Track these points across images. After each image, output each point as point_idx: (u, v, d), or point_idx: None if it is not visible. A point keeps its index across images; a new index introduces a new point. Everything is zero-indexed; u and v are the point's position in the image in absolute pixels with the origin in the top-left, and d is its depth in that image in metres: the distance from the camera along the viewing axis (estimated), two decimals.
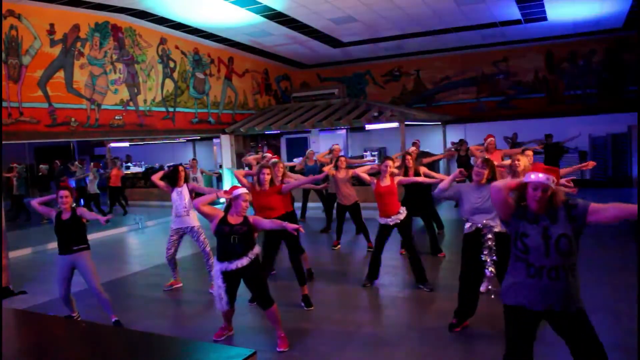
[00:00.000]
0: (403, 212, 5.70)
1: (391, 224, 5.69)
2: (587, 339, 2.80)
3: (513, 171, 4.64)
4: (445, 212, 11.07)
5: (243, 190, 4.23)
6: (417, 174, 6.95)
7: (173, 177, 6.14)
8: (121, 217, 12.35)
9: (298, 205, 10.04)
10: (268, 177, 5.19)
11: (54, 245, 9.08)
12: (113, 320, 5.02)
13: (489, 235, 4.27)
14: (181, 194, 6.05)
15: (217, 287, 4.22)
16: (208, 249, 6.06)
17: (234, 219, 4.19)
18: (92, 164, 13.14)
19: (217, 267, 4.21)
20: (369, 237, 7.69)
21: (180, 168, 6.18)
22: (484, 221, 4.27)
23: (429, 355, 4.09)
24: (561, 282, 2.75)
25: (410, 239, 5.80)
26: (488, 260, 4.26)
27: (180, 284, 6.34)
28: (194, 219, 6.09)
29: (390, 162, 5.76)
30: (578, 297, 2.80)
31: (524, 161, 4.80)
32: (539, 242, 2.77)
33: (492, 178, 4.30)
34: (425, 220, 7.48)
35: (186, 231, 6.08)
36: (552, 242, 2.74)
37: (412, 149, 8.46)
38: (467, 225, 4.41)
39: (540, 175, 2.77)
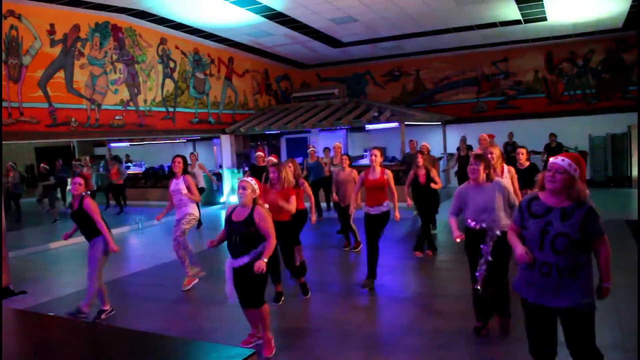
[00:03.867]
0: (386, 206, 5.73)
1: (372, 213, 5.71)
2: (578, 341, 2.79)
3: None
4: (445, 212, 11.05)
5: (249, 178, 4.18)
6: (429, 175, 7.07)
7: (171, 170, 6.20)
8: (121, 217, 12.35)
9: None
10: (273, 175, 5.22)
11: (54, 244, 9.14)
12: (100, 308, 5.19)
13: (490, 242, 4.11)
14: (178, 185, 6.06)
15: (228, 280, 4.16)
16: (178, 233, 5.96)
17: (237, 215, 4.09)
18: (87, 158, 13.15)
19: (227, 263, 4.18)
20: (358, 238, 7.70)
21: (178, 159, 6.13)
22: (488, 224, 4.13)
23: (429, 355, 4.08)
24: (552, 279, 2.75)
25: (379, 233, 5.75)
26: (482, 260, 4.15)
27: (196, 280, 6.25)
28: (191, 207, 6.10)
29: (376, 152, 5.74)
30: (576, 294, 2.75)
31: (497, 152, 4.85)
32: (535, 235, 2.79)
33: (489, 174, 4.19)
34: (423, 219, 7.43)
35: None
36: (547, 238, 2.74)
37: (424, 144, 8.47)
38: (472, 223, 4.25)
39: (559, 159, 2.79)
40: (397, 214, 5.96)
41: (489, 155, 4.69)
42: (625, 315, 4.39)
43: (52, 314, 4.80)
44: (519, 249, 2.88)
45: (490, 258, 4.08)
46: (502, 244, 4.08)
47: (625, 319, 4.34)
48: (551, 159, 2.85)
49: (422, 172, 7.09)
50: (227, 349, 2.17)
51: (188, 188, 6.04)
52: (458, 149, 10.97)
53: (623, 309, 4.59)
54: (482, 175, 4.18)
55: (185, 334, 4.79)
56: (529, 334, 2.98)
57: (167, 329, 4.86)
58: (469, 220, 4.26)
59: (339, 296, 5.75)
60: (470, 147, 10.61)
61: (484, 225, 4.15)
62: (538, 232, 2.77)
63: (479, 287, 4.17)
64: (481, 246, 4.12)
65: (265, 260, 3.95)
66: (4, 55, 8.25)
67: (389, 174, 5.77)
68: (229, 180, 13.94)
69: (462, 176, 10.63)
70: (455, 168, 11.06)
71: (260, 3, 9.67)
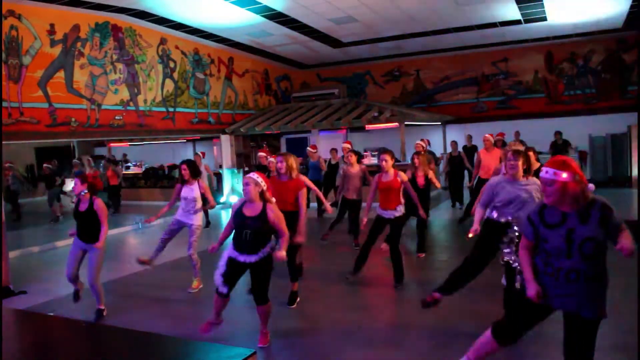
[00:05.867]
0: (400, 211, 5.66)
1: (386, 217, 5.65)
2: (582, 347, 2.77)
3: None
4: (444, 212, 11.07)
5: (251, 174, 4.16)
6: (427, 178, 7.07)
7: (180, 176, 6.12)
8: (120, 217, 12.36)
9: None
10: (282, 165, 5.24)
11: (55, 244, 9.14)
12: (97, 308, 5.16)
13: (516, 228, 4.07)
14: (191, 193, 5.96)
15: (218, 270, 4.13)
16: (191, 251, 5.92)
17: (249, 210, 4.06)
18: (89, 158, 13.14)
19: (226, 251, 4.15)
20: (358, 236, 7.73)
21: (183, 166, 6.05)
22: (514, 215, 4.08)
23: (429, 354, 4.08)
24: (580, 284, 2.69)
25: (397, 237, 5.73)
26: (506, 250, 4.12)
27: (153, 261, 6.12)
28: (197, 218, 6.05)
29: (386, 156, 5.66)
30: (597, 304, 2.72)
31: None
32: (560, 245, 2.69)
33: (528, 170, 4.13)
34: (418, 220, 7.43)
35: (186, 225, 6.04)
36: (575, 245, 2.65)
37: (419, 142, 8.47)
38: (494, 214, 4.22)
39: (548, 170, 2.70)
40: (422, 212, 6.07)
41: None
42: (625, 315, 4.39)
43: (52, 314, 4.81)
44: (531, 288, 2.80)
45: (508, 259, 4.09)
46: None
47: (625, 319, 4.34)
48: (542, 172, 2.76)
49: (420, 173, 7.07)
50: (227, 349, 2.17)
51: (203, 195, 5.98)
52: (464, 146, 11.32)
53: (623, 309, 4.59)
54: (521, 172, 4.12)
55: (185, 334, 4.79)
56: (512, 318, 2.95)
57: (167, 329, 4.86)
58: (493, 212, 4.23)
59: (339, 296, 5.75)
60: (475, 147, 10.94)
61: (509, 218, 4.12)
62: (563, 241, 2.68)
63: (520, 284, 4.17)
64: (503, 250, 4.11)
65: (284, 252, 4.02)
66: (4, 55, 8.25)
67: (402, 176, 5.69)
68: (229, 181, 13.94)
69: (453, 176, 11.01)
70: (448, 168, 11.42)
71: (260, 3, 9.66)
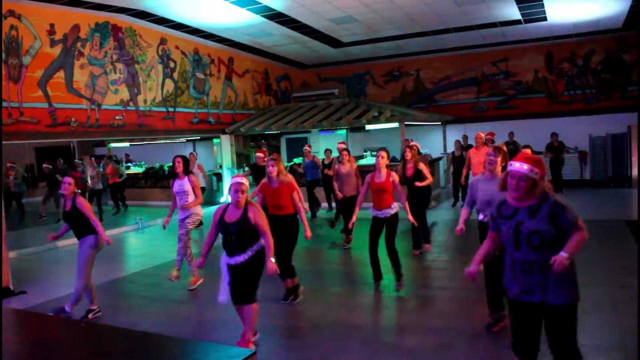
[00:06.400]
0: (394, 208, 5.63)
1: (380, 217, 5.62)
2: (559, 337, 2.79)
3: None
4: (444, 212, 11.08)
5: (237, 179, 4.11)
6: (417, 169, 7.05)
7: (173, 171, 6.19)
8: (121, 217, 12.36)
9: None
10: (273, 170, 5.18)
11: (55, 244, 9.12)
12: (89, 307, 5.23)
13: None
14: (182, 187, 6.04)
15: (223, 278, 4.12)
16: (183, 244, 5.97)
17: (229, 216, 4.07)
18: (92, 159, 13.13)
19: (223, 258, 4.16)
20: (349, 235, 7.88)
21: (178, 159, 6.12)
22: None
23: (429, 355, 4.08)
24: (535, 276, 2.77)
25: (393, 235, 5.68)
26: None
27: (201, 279, 6.20)
28: (196, 207, 6.11)
29: (383, 153, 5.64)
30: (564, 289, 2.76)
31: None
32: (509, 236, 2.84)
33: (506, 168, 4.17)
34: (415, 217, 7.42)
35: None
36: (522, 237, 2.79)
37: (414, 143, 8.46)
38: (481, 216, 4.27)
39: (518, 164, 2.79)
40: (411, 217, 5.91)
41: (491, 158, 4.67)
42: (625, 315, 4.39)
43: (52, 314, 4.81)
44: (472, 266, 3.08)
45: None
46: None
47: (625, 319, 4.34)
48: (511, 165, 2.83)
49: (409, 165, 7.10)
50: (227, 349, 2.17)
51: (193, 189, 6.03)
52: (460, 145, 11.49)
53: (623, 309, 4.59)
54: (499, 167, 4.15)
55: (185, 334, 4.79)
56: (512, 329, 3.00)
57: (167, 329, 4.86)
58: (480, 214, 4.28)
59: (339, 296, 5.75)
60: (471, 147, 11.06)
61: (487, 219, 4.12)
62: (511, 232, 2.83)
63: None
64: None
65: (273, 260, 4.01)
66: (4, 55, 8.25)
67: (394, 177, 5.66)
68: (229, 181, 13.93)
69: (457, 176, 11.10)
70: (451, 169, 11.57)
71: (260, 3, 9.67)
